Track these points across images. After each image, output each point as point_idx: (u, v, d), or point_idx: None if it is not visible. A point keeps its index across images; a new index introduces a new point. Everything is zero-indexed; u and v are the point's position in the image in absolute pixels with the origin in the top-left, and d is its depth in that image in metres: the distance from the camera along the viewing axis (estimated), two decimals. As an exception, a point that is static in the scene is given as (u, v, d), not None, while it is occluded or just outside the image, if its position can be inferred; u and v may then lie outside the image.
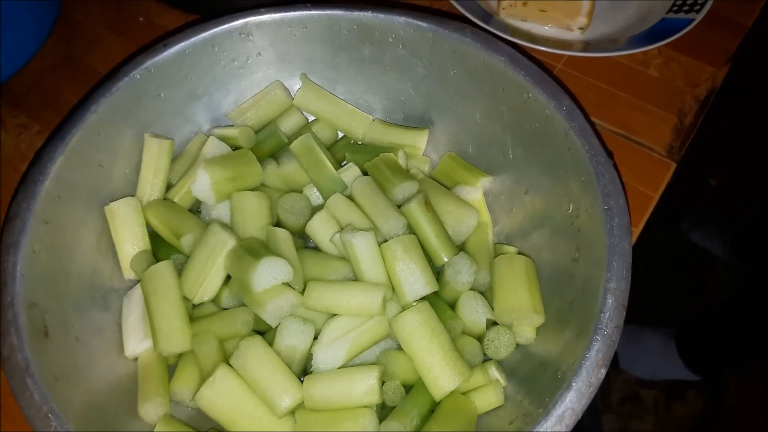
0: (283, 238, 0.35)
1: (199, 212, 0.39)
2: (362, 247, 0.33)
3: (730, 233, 1.43)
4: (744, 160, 1.54)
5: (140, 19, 0.56)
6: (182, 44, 0.40)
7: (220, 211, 0.38)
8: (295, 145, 0.40)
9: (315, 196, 0.40)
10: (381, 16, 0.40)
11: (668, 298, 1.36)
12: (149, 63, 0.39)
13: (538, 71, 0.37)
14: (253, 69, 0.43)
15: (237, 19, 0.40)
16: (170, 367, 0.35)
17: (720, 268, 1.44)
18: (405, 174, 0.39)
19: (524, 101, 0.37)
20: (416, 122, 0.44)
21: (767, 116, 1.25)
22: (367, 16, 0.40)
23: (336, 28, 0.41)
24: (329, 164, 0.39)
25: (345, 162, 0.42)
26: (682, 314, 1.21)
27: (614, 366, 1.16)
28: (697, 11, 0.48)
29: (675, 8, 0.50)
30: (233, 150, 0.41)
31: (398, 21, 0.40)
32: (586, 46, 0.49)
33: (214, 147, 0.40)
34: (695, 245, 1.48)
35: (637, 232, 0.44)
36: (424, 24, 0.40)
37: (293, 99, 0.44)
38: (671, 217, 1.49)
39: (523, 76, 0.37)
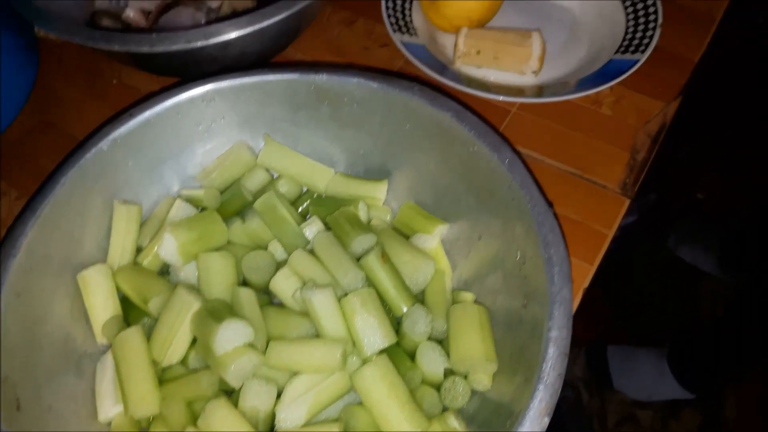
0: (246, 298, 0.36)
1: (169, 274, 0.41)
2: (321, 303, 0.35)
3: (717, 247, 1.44)
4: (728, 172, 1.56)
5: (114, 81, 0.58)
6: (147, 114, 0.42)
7: (188, 271, 0.40)
8: (258, 204, 0.42)
9: (280, 251, 0.41)
10: (335, 78, 0.42)
11: (659, 317, 1.37)
12: (115, 134, 0.41)
13: (482, 125, 0.39)
14: (217, 132, 0.45)
15: (199, 86, 0.43)
16: (144, 430, 0.37)
17: (709, 283, 1.46)
18: (363, 227, 0.40)
19: (471, 154, 0.39)
20: (376, 173, 0.46)
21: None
22: (322, 78, 0.42)
23: (294, 90, 0.43)
24: (292, 220, 0.41)
25: (309, 215, 0.44)
26: (674, 332, 1.22)
27: (609, 388, 1.16)
28: (642, 51, 0.50)
29: (622, 49, 0.52)
30: (200, 211, 0.43)
31: (351, 82, 0.42)
32: (539, 90, 0.51)
33: (180, 210, 0.42)
34: (683, 262, 1.49)
35: (592, 269, 0.45)
36: (375, 84, 0.42)
37: (257, 158, 0.46)
38: (659, 234, 1.51)
39: (468, 131, 0.39)
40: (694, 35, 0.57)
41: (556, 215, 0.35)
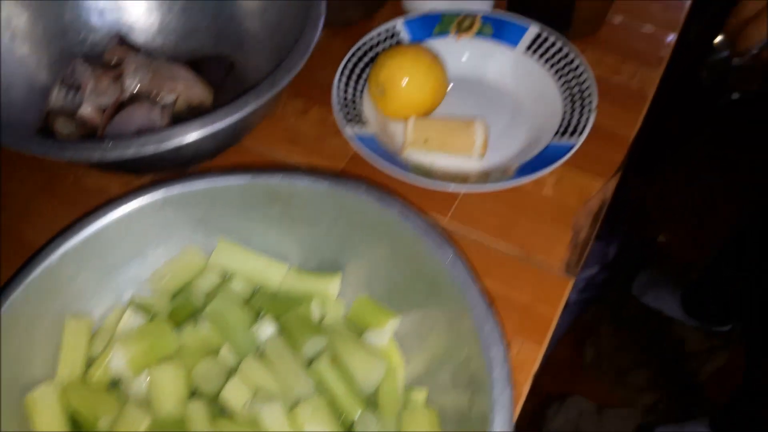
0: (197, 413, 0.37)
1: (121, 385, 0.41)
2: (269, 417, 0.35)
3: (681, 292, 1.47)
4: (689, 215, 1.60)
5: (71, 180, 0.59)
6: (97, 225, 0.42)
7: (140, 383, 0.40)
8: (209, 309, 0.43)
9: (232, 356, 0.42)
10: (285, 180, 0.44)
11: (630, 371, 1.39)
12: (65, 247, 0.41)
13: (425, 224, 0.40)
14: (168, 235, 0.46)
15: (149, 194, 0.44)
16: None
17: (675, 328, 1.48)
18: (315, 329, 0.41)
19: (417, 251, 0.41)
20: (330, 267, 0.47)
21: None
22: (272, 181, 0.44)
23: (245, 192, 0.45)
24: (243, 325, 0.42)
25: (262, 314, 0.45)
26: (646, 392, 1.23)
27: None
28: (579, 135, 0.53)
29: (560, 132, 0.54)
30: (151, 319, 0.43)
31: (301, 184, 0.44)
32: (485, 175, 0.53)
33: (131, 319, 0.42)
34: (649, 308, 1.52)
35: (541, 349, 0.46)
36: (324, 185, 0.43)
37: (209, 259, 0.46)
38: (623, 283, 1.53)
39: (412, 229, 0.40)
40: (629, 113, 0.60)
41: (497, 315, 0.37)
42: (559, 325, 0.49)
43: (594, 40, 0.67)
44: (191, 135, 0.46)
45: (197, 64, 0.65)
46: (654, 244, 1.67)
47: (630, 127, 0.59)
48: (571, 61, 0.58)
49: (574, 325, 1.44)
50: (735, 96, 1.81)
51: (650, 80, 0.63)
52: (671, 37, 0.68)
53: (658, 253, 1.65)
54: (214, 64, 0.65)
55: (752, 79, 1.59)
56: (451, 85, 0.62)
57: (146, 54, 0.62)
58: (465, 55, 0.63)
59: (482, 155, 0.55)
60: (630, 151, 0.58)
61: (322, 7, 0.54)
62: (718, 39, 1.80)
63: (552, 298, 0.48)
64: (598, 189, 0.55)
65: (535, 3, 0.64)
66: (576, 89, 0.57)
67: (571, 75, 0.58)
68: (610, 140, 0.58)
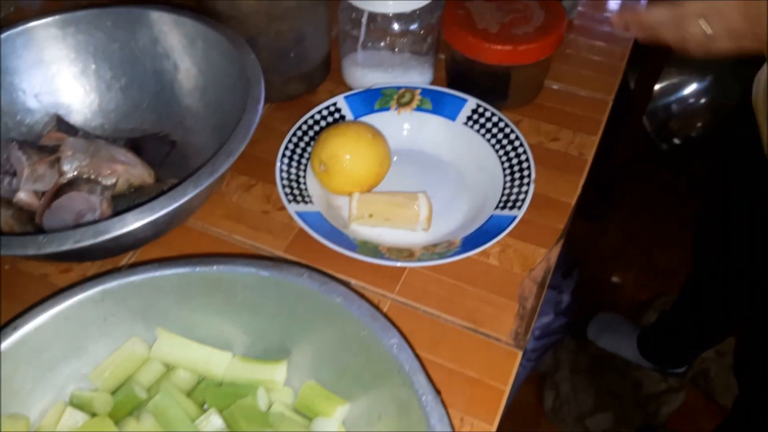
0: None
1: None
2: None
3: (636, 334, 1.49)
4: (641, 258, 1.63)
5: (6, 267, 0.57)
6: (32, 324, 0.41)
7: (77, 492, 0.38)
8: (151, 404, 0.41)
9: (176, 454, 0.40)
10: (225, 269, 0.43)
11: (590, 415, 1.40)
12: (1, 348, 0.39)
13: (369, 309, 0.40)
14: (108, 329, 0.44)
15: (87, 290, 0.42)
16: None
17: (632, 371, 1.50)
18: (260, 421, 0.40)
19: (362, 336, 0.40)
20: (276, 353, 0.46)
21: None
22: (212, 270, 0.43)
23: (186, 282, 0.44)
24: (186, 420, 0.41)
25: (206, 406, 0.44)
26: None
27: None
28: (519, 207, 0.54)
29: (501, 204, 0.56)
30: (92, 416, 0.42)
31: (242, 271, 0.43)
32: (430, 248, 0.54)
33: (70, 417, 0.41)
34: (605, 351, 1.53)
35: (493, 428, 0.46)
36: (266, 272, 0.43)
37: (151, 351, 0.45)
38: (579, 327, 1.55)
39: (357, 314, 0.40)
40: (568, 179, 0.62)
41: (443, 401, 0.36)
42: (518, 371, 0.49)
43: (532, 107, 0.70)
44: (129, 226, 0.46)
45: (138, 143, 0.64)
46: (607, 286, 1.70)
47: (570, 194, 0.61)
48: (509, 134, 0.60)
49: (533, 371, 1.45)
50: (677, 141, 1.89)
51: (588, 145, 0.65)
52: (608, 100, 0.71)
53: (612, 294, 1.68)
54: (156, 143, 0.64)
55: (692, 125, 1.65)
56: (395, 158, 0.63)
57: (85, 135, 0.62)
58: (406, 128, 0.64)
59: (427, 228, 0.56)
60: (570, 219, 0.60)
61: (261, 91, 0.54)
62: (658, 86, 1.88)
63: (502, 371, 0.49)
64: (542, 257, 0.56)
65: (473, 76, 0.67)
66: (515, 161, 0.58)
67: (509, 147, 0.60)
68: (551, 207, 0.59)
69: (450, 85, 0.71)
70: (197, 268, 0.43)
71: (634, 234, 1.79)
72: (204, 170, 0.49)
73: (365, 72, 0.68)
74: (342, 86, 0.72)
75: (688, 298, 1.26)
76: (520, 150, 0.59)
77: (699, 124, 1.71)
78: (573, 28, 0.80)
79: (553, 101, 0.70)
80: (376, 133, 0.58)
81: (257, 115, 0.53)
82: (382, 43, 0.66)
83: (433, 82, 0.72)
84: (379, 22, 0.64)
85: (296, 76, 0.68)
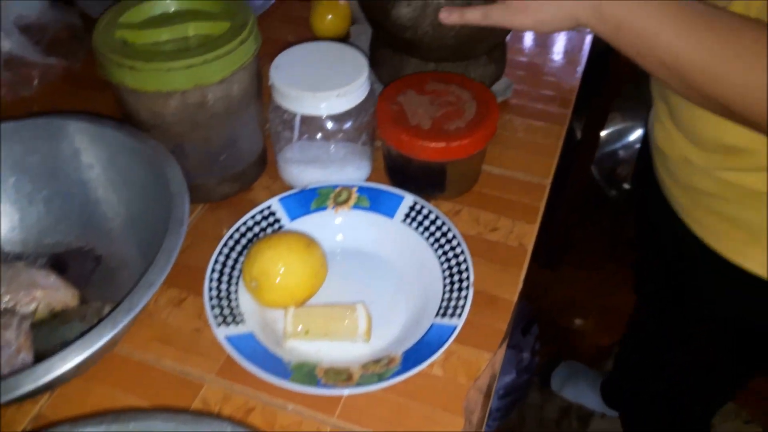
0: None
1: None
2: None
3: (600, 382, 1.49)
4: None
5: None
6: None
7: None
8: None
9: None
10: (142, 426, 0.40)
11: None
12: None
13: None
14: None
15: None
16: None
17: (597, 420, 1.49)
18: None
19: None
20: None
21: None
22: (128, 428, 0.40)
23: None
24: None
25: None
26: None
27: None
28: (459, 315, 0.53)
29: (441, 312, 0.54)
30: None
31: (159, 428, 0.40)
32: (369, 366, 0.52)
33: None
34: (570, 403, 1.52)
35: None
36: (186, 427, 0.40)
37: None
38: (542, 379, 1.54)
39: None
40: (509, 273, 0.61)
41: None
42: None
43: (471, 195, 0.69)
44: (45, 377, 0.42)
45: (62, 259, 0.61)
46: (568, 334, 1.70)
47: (511, 290, 0.59)
48: (446, 233, 0.59)
49: (499, 429, 1.43)
50: (626, 186, 1.92)
51: (528, 234, 0.65)
52: (545, 184, 0.70)
53: (573, 341, 1.68)
54: (80, 259, 0.61)
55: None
56: (336, 257, 0.61)
57: (3, 257, 0.58)
58: (344, 228, 0.63)
59: (367, 340, 0.54)
60: (513, 318, 0.58)
61: (184, 211, 0.52)
62: (604, 133, 1.91)
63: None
64: (486, 363, 0.54)
65: (409, 170, 0.66)
66: (453, 262, 0.57)
67: (447, 247, 0.58)
68: (493, 306, 0.58)
69: (389, 174, 0.70)
70: (112, 427, 0.40)
71: (589, 279, 1.80)
72: (121, 307, 0.46)
73: (301, 169, 0.66)
74: (278, 181, 0.70)
75: (631, 338, 1.26)
76: (458, 250, 0.58)
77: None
78: (509, 108, 0.80)
79: (491, 187, 0.70)
80: (310, 242, 0.56)
81: (180, 238, 0.50)
82: (317, 141, 0.64)
83: (372, 173, 0.71)
84: (311, 122, 0.62)
85: (229, 177, 0.66)
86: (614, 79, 1.42)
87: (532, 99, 0.81)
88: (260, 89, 0.65)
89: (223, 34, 0.59)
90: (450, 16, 0.62)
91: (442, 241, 0.59)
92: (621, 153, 1.75)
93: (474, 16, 0.60)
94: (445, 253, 0.58)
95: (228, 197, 0.68)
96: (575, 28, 0.58)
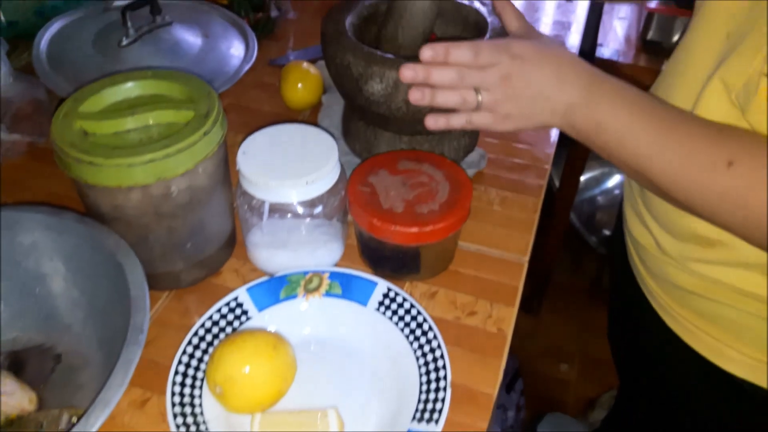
0: None
1: None
2: None
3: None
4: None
5: None
6: None
7: None
8: None
9: None
10: None
11: None
12: None
13: None
14: None
15: None
16: None
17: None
18: None
19: None
20: None
21: None
22: None
23: None
24: None
25: None
26: None
27: None
28: (437, 422, 0.50)
29: (418, 416, 0.52)
30: None
31: None
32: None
33: None
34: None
35: None
36: None
37: None
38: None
39: None
40: (488, 364, 0.59)
41: None
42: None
43: (447, 274, 0.67)
44: None
45: (20, 357, 0.58)
46: (552, 384, 1.68)
47: (491, 383, 0.57)
48: (422, 323, 0.57)
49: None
50: (606, 233, 1.92)
51: (507, 319, 0.63)
52: (522, 262, 0.69)
53: (558, 391, 1.66)
54: (39, 357, 0.58)
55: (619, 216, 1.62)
56: (306, 348, 0.59)
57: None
58: (316, 317, 0.61)
59: (340, 441, 0.51)
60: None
61: (144, 317, 0.49)
62: (582, 179, 1.91)
63: None
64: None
65: (383, 253, 0.64)
66: (429, 357, 0.55)
67: (423, 339, 0.56)
68: (472, 403, 0.56)
69: (362, 255, 0.68)
70: None
71: (571, 326, 1.79)
72: (76, 429, 0.43)
73: (270, 254, 0.64)
74: (248, 262, 0.68)
75: (623, 395, 1.24)
76: (434, 344, 0.56)
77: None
78: (483, 178, 0.79)
79: (467, 265, 0.68)
80: (277, 342, 0.53)
81: (139, 348, 0.48)
82: (286, 225, 0.62)
83: (344, 254, 0.69)
84: (280, 207, 0.61)
85: (196, 263, 0.64)
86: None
87: (507, 168, 0.80)
88: (228, 172, 0.64)
89: (187, 124, 0.57)
90: (437, 123, 0.61)
91: (418, 332, 0.57)
92: (600, 199, 1.76)
93: (458, 121, 0.60)
94: (421, 346, 0.56)
95: (196, 282, 0.66)
96: None
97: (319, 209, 0.62)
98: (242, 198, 0.62)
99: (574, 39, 1.10)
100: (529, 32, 0.60)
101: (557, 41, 0.58)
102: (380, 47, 0.70)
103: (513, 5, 0.62)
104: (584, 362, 1.72)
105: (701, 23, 0.60)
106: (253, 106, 0.91)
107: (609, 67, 1.33)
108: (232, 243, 0.69)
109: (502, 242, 0.71)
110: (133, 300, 0.51)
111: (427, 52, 0.56)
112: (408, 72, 0.57)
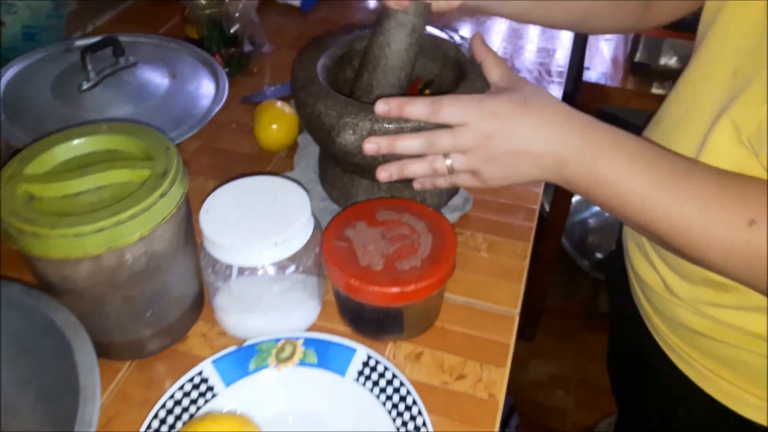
0: None
1: None
2: None
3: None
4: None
5: None
6: None
7: None
8: None
9: None
10: None
11: None
12: None
13: None
14: None
15: None
16: None
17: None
18: None
19: None
20: None
21: None
22: None
23: None
24: None
25: None
26: None
27: None
28: None
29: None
30: None
31: None
32: None
33: None
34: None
35: None
36: None
37: None
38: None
39: None
40: (479, 434, 0.54)
41: None
42: None
43: (433, 332, 0.62)
44: None
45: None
46: (550, 413, 1.63)
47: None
48: (405, 397, 0.52)
49: None
50: (599, 256, 1.88)
51: (498, 382, 0.58)
52: (513, 315, 0.64)
53: (555, 421, 1.61)
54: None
55: (611, 238, 1.61)
56: (281, 424, 0.54)
57: None
58: (288, 391, 0.55)
59: None
60: None
61: (94, 408, 0.44)
62: (573, 201, 1.86)
63: None
64: None
65: (363, 314, 0.59)
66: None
67: (407, 415, 0.51)
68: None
69: (341, 314, 0.63)
70: None
71: (567, 352, 1.75)
72: None
73: (239, 319, 0.59)
74: (216, 327, 0.63)
75: (623, 425, 1.19)
76: (419, 421, 0.51)
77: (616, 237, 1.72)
78: (469, 222, 0.74)
79: (455, 321, 0.63)
80: (244, 426, 0.48)
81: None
82: (256, 287, 0.57)
83: (322, 310, 0.64)
84: (249, 271, 0.56)
85: (159, 331, 0.59)
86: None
87: (494, 210, 0.76)
88: (192, 230, 0.59)
89: (142, 185, 0.52)
90: (424, 185, 0.60)
91: (401, 407, 0.52)
92: (591, 222, 1.72)
93: (444, 183, 0.58)
94: (404, 423, 0.51)
95: (160, 350, 0.60)
96: None
97: (291, 269, 0.57)
98: (206, 260, 0.57)
99: (560, 59, 1.06)
100: (511, 82, 0.55)
101: (541, 89, 0.54)
102: (355, 91, 0.66)
103: (493, 52, 0.58)
104: (581, 388, 1.68)
105: (705, 57, 0.57)
106: (225, 147, 0.86)
107: (596, 91, 1.30)
108: (199, 305, 0.63)
109: (491, 293, 0.66)
110: (82, 389, 0.45)
111: (380, 106, 0.53)
112: (370, 146, 0.55)
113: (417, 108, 0.53)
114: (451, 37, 0.71)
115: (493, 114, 0.51)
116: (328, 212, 0.73)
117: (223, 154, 0.85)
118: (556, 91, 0.99)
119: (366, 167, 0.62)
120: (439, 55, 0.72)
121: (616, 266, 0.77)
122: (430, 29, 0.71)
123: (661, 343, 0.66)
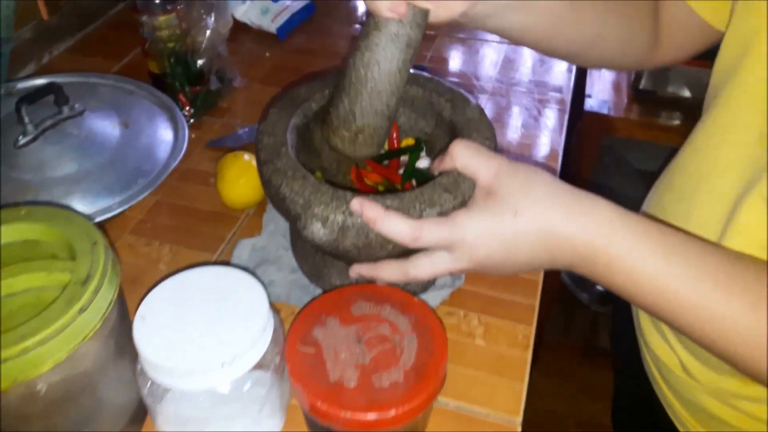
0: None
1: None
2: None
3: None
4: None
5: None
6: None
7: None
8: None
9: None
10: None
11: None
12: None
13: None
14: None
15: None
16: None
17: None
18: None
19: None
20: None
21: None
22: None
23: None
24: None
25: None
26: None
27: None
28: None
29: None
30: None
31: None
32: None
33: None
34: None
35: None
36: None
37: None
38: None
39: None
40: None
41: None
42: None
43: (418, 446, 0.53)
44: None
45: None
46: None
47: None
48: None
49: None
50: (600, 288, 1.79)
51: None
52: (515, 424, 0.55)
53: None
54: None
55: None
56: None
57: None
58: None
59: None
60: None
61: None
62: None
63: None
64: None
65: None
66: None
67: None
68: None
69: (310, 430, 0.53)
70: None
71: (566, 388, 1.67)
72: None
73: (187, 438, 0.49)
74: (164, 439, 0.53)
75: None
76: None
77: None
78: (462, 299, 0.65)
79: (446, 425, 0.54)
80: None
81: None
82: (204, 405, 0.48)
83: (288, 417, 0.54)
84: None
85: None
86: (581, 181, 1.31)
87: (489, 284, 0.66)
88: (129, 332, 0.49)
89: (60, 294, 0.42)
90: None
91: None
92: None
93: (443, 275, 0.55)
94: None
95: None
96: None
97: (247, 386, 0.47)
98: (141, 377, 0.47)
99: (556, 88, 0.96)
100: (496, 184, 0.46)
101: (531, 180, 0.45)
102: (331, 122, 0.56)
103: (479, 154, 0.48)
104: (580, 425, 1.60)
105: (724, 115, 0.51)
106: (186, 204, 0.76)
107: (599, 121, 1.20)
108: (142, 417, 0.54)
109: (487, 396, 0.56)
110: None
111: (355, 206, 0.48)
112: (352, 272, 0.54)
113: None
114: (423, 75, 0.62)
115: (470, 245, 0.46)
116: (298, 287, 0.64)
117: (183, 211, 0.75)
118: (555, 119, 0.89)
119: (339, 256, 0.53)
120: (432, 113, 0.62)
121: (622, 317, 0.70)
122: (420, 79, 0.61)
123: (676, 422, 0.60)
